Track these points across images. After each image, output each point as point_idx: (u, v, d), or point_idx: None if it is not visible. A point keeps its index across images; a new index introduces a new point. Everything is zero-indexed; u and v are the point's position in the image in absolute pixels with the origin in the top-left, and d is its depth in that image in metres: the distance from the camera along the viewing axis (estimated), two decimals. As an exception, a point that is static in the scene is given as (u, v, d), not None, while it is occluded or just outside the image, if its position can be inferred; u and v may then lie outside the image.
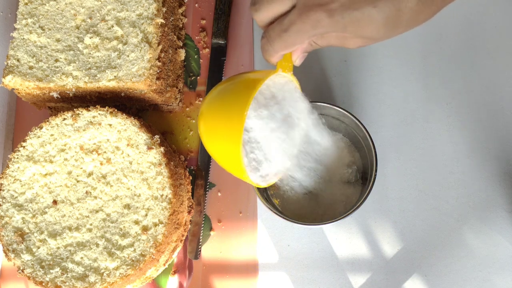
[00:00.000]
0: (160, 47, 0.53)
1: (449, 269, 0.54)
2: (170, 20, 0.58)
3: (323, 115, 0.53)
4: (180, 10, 0.62)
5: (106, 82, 0.52)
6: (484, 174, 0.56)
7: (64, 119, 0.52)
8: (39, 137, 0.52)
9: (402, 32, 0.37)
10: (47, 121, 0.52)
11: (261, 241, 0.56)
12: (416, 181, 0.56)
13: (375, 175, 0.49)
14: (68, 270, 0.48)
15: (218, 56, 0.62)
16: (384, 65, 0.60)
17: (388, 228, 0.55)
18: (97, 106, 0.52)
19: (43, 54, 0.54)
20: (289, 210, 0.52)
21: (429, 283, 0.53)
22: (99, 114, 0.52)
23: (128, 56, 0.52)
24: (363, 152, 0.53)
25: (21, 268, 0.48)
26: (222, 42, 0.62)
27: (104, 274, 0.47)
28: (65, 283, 0.47)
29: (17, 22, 0.55)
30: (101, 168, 0.51)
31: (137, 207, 0.49)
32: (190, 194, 0.57)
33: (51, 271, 0.48)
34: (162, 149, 0.50)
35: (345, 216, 0.48)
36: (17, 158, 0.51)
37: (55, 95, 0.54)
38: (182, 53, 0.60)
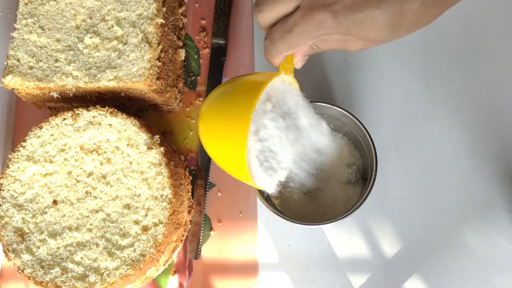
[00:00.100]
0: (160, 47, 0.53)
1: (449, 269, 0.54)
2: (170, 20, 0.58)
3: (323, 115, 0.53)
4: (180, 10, 0.62)
5: (106, 82, 0.52)
6: (484, 174, 0.56)
7: (64, 119, 0.52)
8: (39, 137, 0.52)
9: (403, 35, 0.37)
10: (47, 121, 0.52)
11: (261, 241, 0.56)
12: (416, 181, 0.56)
13: (375, 175, 0.49)
14: (68, 270, 0.48)
15: (218, 56, 0.62)
16: (384, 65, 0.60)
17: (388, 228, 0.55)
18: (97, 106, 0.52)
19: (43, 54, 0.54)
20: (289, 210, 0.52)
21: (429, 283, 0.53)
22: (99, 114, 0.52)
23: (128, 56, 0.52)
24: (363, 152, 0.53)
25: (21, 268, 0.48)
26: (222, 42, 0.62)
27: (104, 274, 0.47)
28: (65, 283, 0.47)
29: (17, 22, 0.55)
30: (101, 168, 0.51)
31: (137, 207, 0.49)
32: (190, 194, 0.57)
33: (51, 271, 0.48)
34: (162, 149, 0.50)
35: (345, 216, 0.48)
36: (17, 158, 0.51)
37: (55, 95, 0.54)
38: (182, 53, 0.60)
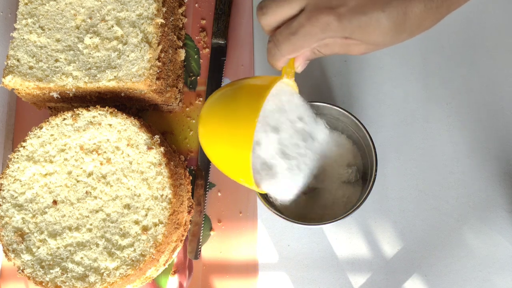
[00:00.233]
0: (160, 47, 0.53)
1: (449, 269, 0.54)
2: (170, 20, 0.58)
3: (323, 115, 0.53)
4: (180, 10, 0.62)
5: (106, 82, 0.52)
6: (484, 174, 0.56)
7: (64, 119, 0.52)
8: (39, 137, 0.52)
9: (406, 38, 0.37)
10: (47, 121, 0.52)
11: (261, 241, 0.56)
12: (416, 181, 0.56)
13: (375, 175, 0.49)
14: (68, 270, 0.48)
15: (218, 56, 0.62)
16: (384, 65, 0.60)
17: (388, 228, 0.55)
18: (97, 106, 0.52)
19: (43, 54, 0.54)
20: (289, 210, 0.52)
21: (429, 283, 0.54)
22: (99, 114, 0.52)
23: (128, 56, 0.52)
24: (363, 152, 0.53)
25: (21, 268, 0.48)
26: (222, 42, 0.62)
27: (104, 274, 0.47)
28: (65, 283, 0.47)
29: (17, 22, 0.55)
30: (101, 168, 0.51)
31: (137, 207, 0.49)
32: (190, 194, 0.57)
33: (51, 271, 0.48)
34: (162, 149, 0.50)
35: (345, 216, 0.48)
36: (17, 158, 0.51)
37: (55, 95, 0.54)
38: (182, 53, 0.60)
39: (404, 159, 0.57)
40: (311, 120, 0.47)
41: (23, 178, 0.51)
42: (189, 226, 0.56)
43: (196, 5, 0.64)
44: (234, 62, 0.62)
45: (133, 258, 0.48)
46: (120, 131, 0.51)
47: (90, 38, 0.53)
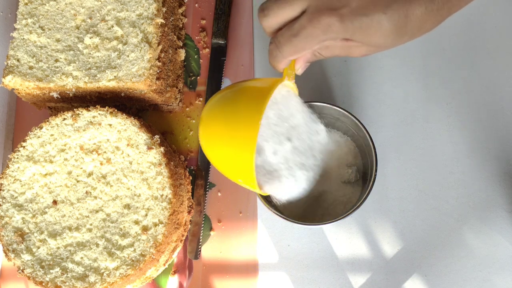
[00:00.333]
0: (160, 47, 0.53)
1: (449, 269, 0.54)
2: (170, 20, 0.58)
3: (323, 114, 0.53)
4: (180, 10, 0.62)
5: (106, 82, 0.52)
6: (484, 174, 0.56)
7: (64, 119, 0.52)
8: (39, 137, 0.52)
9: (407, 41, 0.37)
10: (47, 121, 0.52)
11: (261, 241, 0.56)
12: (416, 181, 0.56)
13: (375, 175, 0.49)
14: (68, 270, 0.48)
15: (218, 56, 0.62)
16: (384, 65, 0.60)
17: (388, 228, 0.55)
18: (97, 106, 0.52)
19: (43, 54, 0.54)
20: (289, 210, 0.52)
21: (429, 283, 0.54)
22: (99, 114, 0.52)
23: (128, 56, 0.52)
24: (363, 152, 0.53)
25: (21, 268, 0.48)
26: (222, 42, 0.62)
27: (104, 274, 0.47)
28: (65, 283, 0.47)
29: (17, 22, 0.55)
30: (101, 168, 0.51)
31: (137, 207, 0.49)
32: (190, 194, 0.57)
33: (51, 271, 0.48)
34: (162, 149, 0.50)
35: (345, 216, 0.48)
36: (17, 158, 0.51)
37: (55, 95, 0.54)
38: (182, 53, 0.60)
39: (404, 159, 0.57)
40: (310, 122, 0.47)
41: (23, 178, 0.51)
42: (189, 226, 0.56)
43: (196, 5, 0.64)
44: (234, 62, 0.62)
45: (133, 258, 0.48)
46: (120, 131, 0.51)
47: (90, 38, 0.53)
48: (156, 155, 0.50)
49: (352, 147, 0.55)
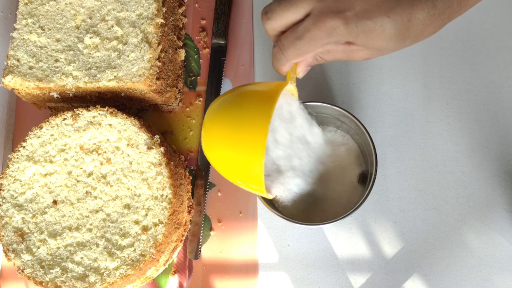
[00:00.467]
0: (160, 47, 0.53)
1: (449, 269, 0.54)
2: (170, 20, 0.58)
3: (323, 114, 0.53)
4: (180, 10, 0.62)
5: (106, 82, 0.52)
6: (484, 174, 0.56)
7: (64, 119, 0.52)
8: (39, 137, 0.52)
9: (408, 45, 0.38)
10: (47, 121, 0.52)
11: (261, 241, 0.56)
12: (416, 181, 0.56)
13: (375, 175, 0.49)
14: (68, 270, 0.48)
15: (218, 56, 0.62)
16: (384, 65, 0.60)
17: (388, 228, 0.55)
18: (97, 106, 0.52)
19: (43, 54, 0.54)
20: (289, 210, 0.52)
21: (429, 283, 0.54)
22: (99, 114, 0.52)
23: (128, 56, 0.52)
24: (363, 152, 0.53)
25: (21, 268, 0.48)
26: (222, 42, 0.62)
27: (104, 274, 0.47)
28: (65, 283, 0.47)
29: (17, 22, 0.55)
30: (101, 168, 0.51)
31: (137, 207, 0.49)
32: (190, 194, 0.57)
33: (51, 271, 0.48)
34: (162, 149, 0.50)
35: (345, 216, 0.48)
36: (17, 158, 0.51)
37: (55, 95, 0.54)
38: (182, 53, 0.60)
39: (404, 159, 0.57)
40: (308, 124, 0.47)
41: (23, 178, 0.51)
42: (189, 226, 0.56)
43: (196, 5, 0.64)
44: (234, 62, 0.62)
45: (133, 258, 0.48)
46: (120, 131, 0.51)
47: (90, 38, 0.53)
48: (156, 155, 0.50)
49: (352, 147, 0.55)
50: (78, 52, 0.53)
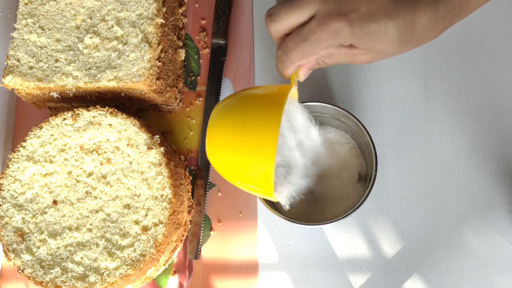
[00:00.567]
0: (160, 47, 0.53)
1: (449, 269, 0.54)
2: (170, 20, 0.58)
3: (323, 114, 0.53)
4: (180, 10, 0.62)
5: (106, 82, 0.52)
6: (484, 174, 0.56)
7: (64, 119, 0.52)
8: (39, 137, 0.52)
9: (410, 48, 0.38)
10: (47, 121, 0.52)
11: (261, 241, 0.56)
12: (416, 181, 0.56)
13: (375, 175, 0.49)
14: (68, 270, 0.48)
15: (218, 56, 0.62)
16: (384, 65, 0.60)
17: (388, 228, 0.55)
18: (97, 106, 0.52)
19: (43, 54, 0.54)
20: (289, 210, 0.52)
21: (429, 283, 0.54)
22: (99, 114, 0.52)
23: (128, 56, 0.52)
24: (363, 152, 0.53)
25: (21, 268, 0.48)
26: (222, 42, 0.62)
27: (104, 274, 0.47)
28: (65, 283, 0.47)
29: (17, 22, 0.55)
30: (101, 168, 0.51)
31: (137, 207, 0.49)
32: (190, 194, 0.57)
33: (51, 271, 0.48)
34: (162, 149, 0.50)
35: (345, 216, 0.48)
36: (17, 158, 0.51)
37: (55, 95, 0.54)
38: (182, 53, 0.60)
39: (404, 159, 0.57)
40: (308, 125, 0.47)
41: (23, 178, 0.51)
42: (189, 226, 0.56)
43: (196, 5, 0.64)
44: (234, 62, 0.62)
45: (133, 258, 0.48)
46: (120, 131, 0.51)
47: (90, 38, 0.53)
48: (156, 155, 0.50)
49: (352, 147, 0.55)
50: (78, 52, 0.53)
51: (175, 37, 0.59)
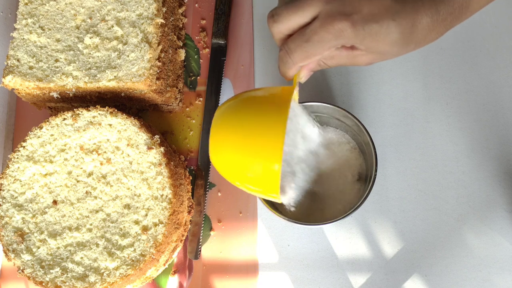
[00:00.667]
0: (160, 47, 0.53)
1: (449, 269, 0.54)
2: (170, 20, 0.58)
3: (323, 114, 0.53)
4: (180, 10, 0.62)
5: (106, 82, 0.52)
6: (484, 174, 0.56)
7: (64, 119, 0.52)
8: (39, 137, 0.52)
9: (411, 50, 0.38)
10: (47, 121, 0.52)
11: (261, 241, 0.56)
12: (416, 181, 0.56)
13: (375, 175, 0.49)
14: (68, 270, 0.48)
15: (218, 56, 0.62)
16: (384, 65, 0.60)
17: (388, 228, 0.55)
18: (97, 106, 0.52)
19: (43, 54, 0.54)
20: (289, 210, 0.52)
21: (429, 283, 0.54)
22: (99, 114, 0.52)
23: (128, 56, 0.52)
24: (363, 152, 0.53)
25: (21, 268, 0.48)
26: (222, 42, 0.62)
27: (104, 274, 0.47)
28: (65, 283, 0.47)
29: (17, 22, 0.55)
30: (101, 168, 0.51)
31: (137, 207, 0.49)
32: (190, 194, 0.57)
33: (51, 271, 0.48)
34: (162, 149, 0.50)
35: (345, 216, 0.48)
36: (17, 158, 0.51)
37: (55, 95, 0.54)
38: (182, 53, 0.60)
39: (404, 159, 0.57)
40: (308, 125, 0.47)
41: (23, 178, 0.51)
42: (189, 226, 0.56)
43: (196, 5, 0.64)
44: (234, 62, 0.62)
45: (133, 258, 0.48)
46: (120, 131, 0.51)
47: (90, 38, 0.53)
48: (156, 155, 0.50)
49: (352, 147, 0.55)
50: (78, 52, 0.53)
51: (175, 37, 0.59)
